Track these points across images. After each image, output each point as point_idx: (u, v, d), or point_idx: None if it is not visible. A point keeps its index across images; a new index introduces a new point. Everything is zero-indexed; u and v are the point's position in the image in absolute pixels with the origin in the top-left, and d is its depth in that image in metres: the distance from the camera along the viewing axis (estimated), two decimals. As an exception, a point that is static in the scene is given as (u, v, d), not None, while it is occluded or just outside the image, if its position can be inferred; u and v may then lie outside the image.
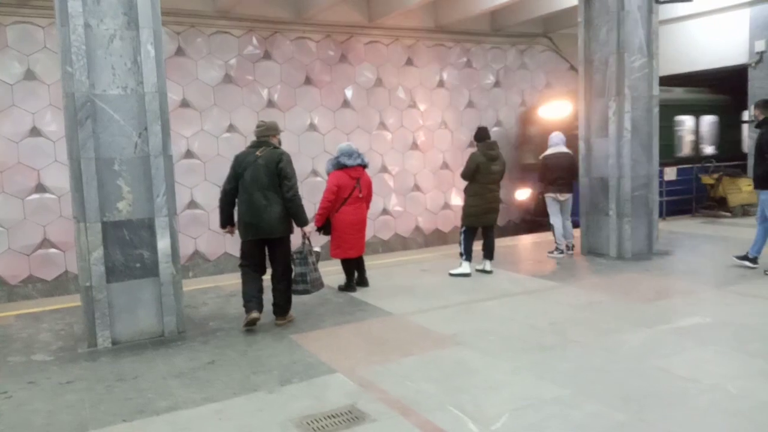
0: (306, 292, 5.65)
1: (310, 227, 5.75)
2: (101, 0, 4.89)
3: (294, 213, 5.37)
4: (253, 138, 5.53)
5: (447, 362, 4.46)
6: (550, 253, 8.26)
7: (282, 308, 5.52)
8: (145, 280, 5.14)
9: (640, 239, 8.09)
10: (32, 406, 3.94)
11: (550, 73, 15.42)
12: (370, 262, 7.08)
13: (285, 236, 5.42)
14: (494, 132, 13.86)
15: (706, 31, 13.50)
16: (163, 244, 5.16)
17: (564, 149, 8.30)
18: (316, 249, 5.79)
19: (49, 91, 9.94)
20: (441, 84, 13.95)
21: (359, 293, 6.55)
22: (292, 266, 5.56)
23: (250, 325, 5.35)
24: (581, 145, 8.38)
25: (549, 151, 8.35)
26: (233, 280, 6.82)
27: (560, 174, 8.13)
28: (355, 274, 6.76)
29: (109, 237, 5.00)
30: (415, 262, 8.03)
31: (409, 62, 13.60)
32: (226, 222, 5.50)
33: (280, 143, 5.56)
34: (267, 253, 5.49)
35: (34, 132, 9.98)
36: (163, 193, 5.13)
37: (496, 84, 14.69)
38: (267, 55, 12.00)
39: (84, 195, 4.87)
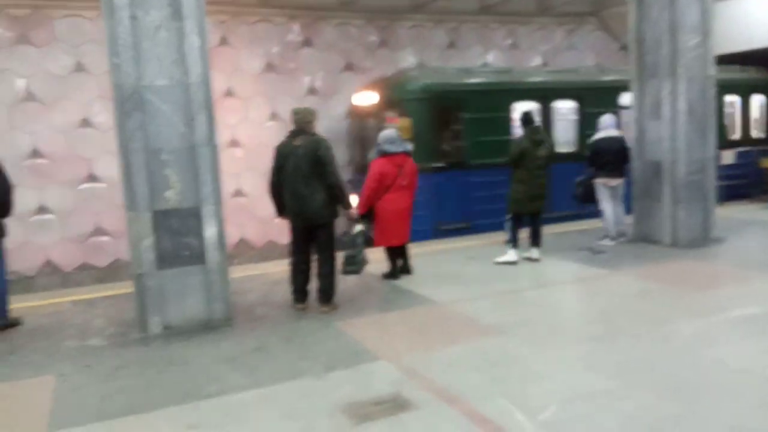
0: (356, 272, 5.87)
1: (355, 210, 5.89)
2: (147, -9, 4.97)
3: (338, 198, 5.47)
4: (292, 126, 5.59)
5: (492, 351, 4.40)
6: (600, 240, 8.05)
7: (327, 295, 5.57)
8: (193, 267, 5.23)
9: (695, 226, 7.78)
10: (87, 389, 4.07)
11: (599, 54, 14.96)
12: (415, 250, 7.04)
13: (329, 222, 5.51)
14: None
15: (763, 8, 12.82)
16: (210, 232, 5.23)
17: (615, 132, 8.04)
18: (362, 228, 5.92)
19: (98, 83, 10.22)
20: (485, 66, 13.72)
21: (403, 281, 6.52)
22: (341, 249, 5.70)
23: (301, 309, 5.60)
24: (634, 128, 8.10)
25: (599, 135, 8.11)
26: (278, 268, 6.91)
27: (610, 158, 7.88)
28: (399, 261, 6.73)
29: (159, 225, 5.10)
30: (461, 249, 7.95)
31: (452, 45, 13.41)
32: (282, 210, 5.64)
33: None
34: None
35: (84, 123, 10.29)
36: (209, 182, 5.19)
37: (544, 66, 14.35)
38: (308, 42, 12.01)
39: (133, 185, 4.98)
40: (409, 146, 6.65)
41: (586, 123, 10.03)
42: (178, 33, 5.06)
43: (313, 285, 5.64)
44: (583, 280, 6.31)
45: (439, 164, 9.53)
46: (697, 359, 4.11)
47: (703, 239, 7.80)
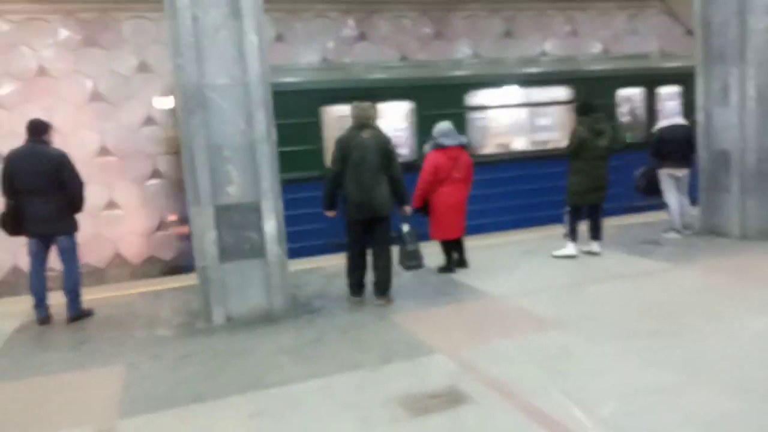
0: (419, 267, 5.92)
1: (410, 207, 5.92)
2: (206, -9, 5.11)
3: (400, 192, 5.63)
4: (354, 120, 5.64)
5: (550, 346, 4.34)
6: (664, 232, 7.78)
7: (383, 287, 5.63)
8: (253, 261, 5.38)
9: (765, 217, 7.41)
10: (155, 378, 4.26)
11: (663, 39, 14.38)
12: (470, 243, 7.00)
13: (389, 215, 5.60)
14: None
15: None
16: (269, 226, 5.36)
17: (680, 120, 7.74)
18: (411, 226, 5.96)
19: (162, 82, 10.59)
20: (543, 54, 13.43)
21: (459, 274, 6.50)
22: (404, 245, 5.81)
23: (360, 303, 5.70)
24: (700, 115, 7.78)
25: (664, 123, 7.82)
26: (334, 261, 7.01)
27: (676, 147, 7.59)
28: (454, 255, 6.72)
29: (221, 220, 5.27)
30: (517, 243, 7.85)
31: (508, 34, 13.19)
32: (333, 205, 5.67)
33: None
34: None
35: (149, 121, 10.68)
36: (268, 177, 5.32)
37: (605, 52, 13.92)
38: (362, 36, 12.07)
39: (197, 180, 5.15)
40: (465, 139, 6.62)
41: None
42: (237, 32, 5.18)
43: (368, 278, 5.71)
44: (646, 275, 6.12)
45: None
46: (764, 356, 3.94)
47: (775, 231, 7.42)
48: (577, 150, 6.84)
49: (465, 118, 8.98)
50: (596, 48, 13.87)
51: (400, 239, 5.83)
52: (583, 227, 7.07)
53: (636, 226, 8.36)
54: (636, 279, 6.01)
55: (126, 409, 3.77)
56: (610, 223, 7.56)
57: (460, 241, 6.72)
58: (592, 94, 8.41)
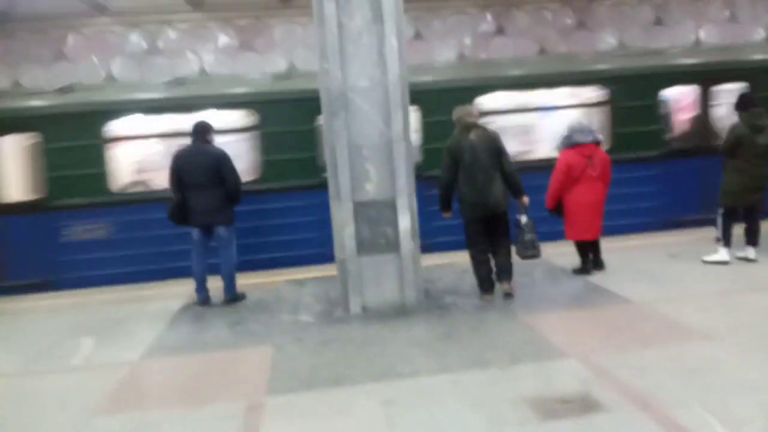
0: (536, 256, 5.94)
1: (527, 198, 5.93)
2: (351, -2, 5.39)
3: (515, 185, 5.74)
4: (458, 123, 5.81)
5: (693, 357, 4.11)
6: None
7: (508, 272, 5.78)
8: (388, 255, 5.62)
9: None
10: (299, 359, 4.63)
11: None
12: (609, 245, 6.73)
13: (506, 210, 5.75)
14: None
15: None
16: (404, 222, 5.57)
17: None
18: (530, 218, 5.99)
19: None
20: (697, 43, 12.43)
21: (595, 277, 6.29)
22: (523, 234, 5.87)
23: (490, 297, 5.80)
24: None
25: None
26: (467, 257, 7.05)
27: None
28: (590, 256, 6.50)
29: (359, 215, 5.56)
30: (661, 245, 7.40)
31: (659, 22, 12.36)
32: (449, 206, 5.88)
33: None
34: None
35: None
36: (404, 175, 5.52)
37: (769, 39, 12.59)
38: (500, 30, 11.93)
39: (339, 177, 5.48)
40: (600, 136, 6.38)
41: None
42: (378, 35, 5.42)
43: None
44: (811, 286, 5.55)
45: None
46: None
47: None
48: (734, 148, 6.32)
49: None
50: (758, 36, 12.57)
51: (518, 229, 5.90)
52: (739, 231, 6.53)
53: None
54: (799, 291, 5.46)
55: (273, 387, 4.15)
56: (770, 228, 6.90)
57: (597, 242, 6.49)
58: None
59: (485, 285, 5.79)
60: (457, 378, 4.07)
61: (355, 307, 5.62)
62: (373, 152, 5.52)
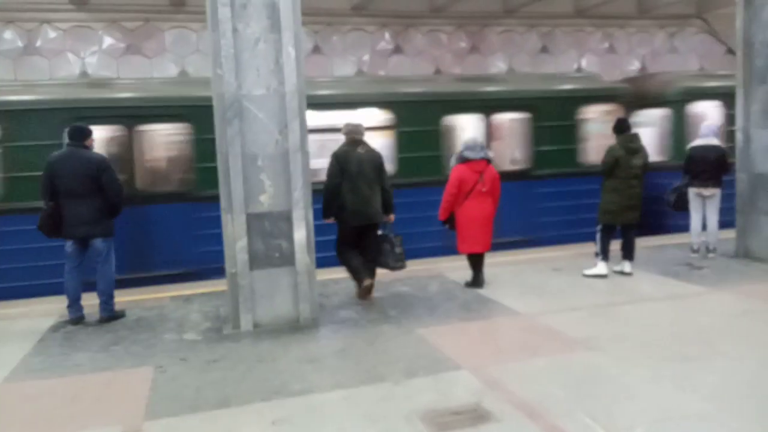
0: (403, 267, 6.29)
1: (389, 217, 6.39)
2: (248, 5, 5.22)
3: (389, 202, 6.28)
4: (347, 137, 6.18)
5: (578, 367, 4.28)
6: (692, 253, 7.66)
7: (372, 270, 6.21)
8: (282, 269, 5.44)
9: (806, 242, 7.20)
10: (183, 380, 4.33)
11: (703, 58, 14.15)
12: (498, 259, 6.95)
13: (379, 222, 6.22)
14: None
15: None
16: (299, 235, 5.42)
17: (714, 141, 7.60)
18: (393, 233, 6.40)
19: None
20: (579, 71, 13.34)
21: (487, 290, 6.45)
22: (393, 247, 6.21)
23: (368, 293, 6.16)
24: (738, 136, 7.62)
25: (696, 142, 7.71)
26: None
27: (706, 167, 7.49)
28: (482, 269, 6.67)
29: (252, 228, 5.35)
30: (546, 260, 7.76)
31: (545, 50, 13.14)
32: (333, 213, 6.10)
33: None
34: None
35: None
36: (300, 186, 5.38)
37: (642, 70, 13.75)
38: (398, 50, 12.16)
39: (231, 188, 5.25)
40: (490, 153, 6.62)
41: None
42: (275, 44, 5.29)
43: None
44: (678, 297, 5.99)
45: None
46: (805, 388, 3.82)
47: (817, 258, 7.20)
48: (611, 168, 6.76)
49: None
50: (634, 66, 13.72)
51: (387, 243, 6.22)
52: (615, 246, 6.97)
53: (670, 248, 8.20)
54: (668, 301, 5.89)
55: (152, 411, 3.84)
56: (642, 244, 7.43)
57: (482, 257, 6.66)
58: None
59: (361, 273, 6.09)
60: (350, 394, 3.97)
61: (246, 323, 5.37)
62: (269, 162, 5.34)
